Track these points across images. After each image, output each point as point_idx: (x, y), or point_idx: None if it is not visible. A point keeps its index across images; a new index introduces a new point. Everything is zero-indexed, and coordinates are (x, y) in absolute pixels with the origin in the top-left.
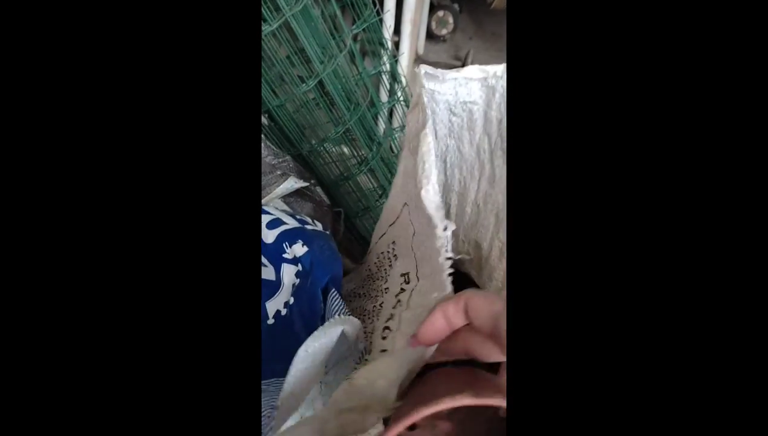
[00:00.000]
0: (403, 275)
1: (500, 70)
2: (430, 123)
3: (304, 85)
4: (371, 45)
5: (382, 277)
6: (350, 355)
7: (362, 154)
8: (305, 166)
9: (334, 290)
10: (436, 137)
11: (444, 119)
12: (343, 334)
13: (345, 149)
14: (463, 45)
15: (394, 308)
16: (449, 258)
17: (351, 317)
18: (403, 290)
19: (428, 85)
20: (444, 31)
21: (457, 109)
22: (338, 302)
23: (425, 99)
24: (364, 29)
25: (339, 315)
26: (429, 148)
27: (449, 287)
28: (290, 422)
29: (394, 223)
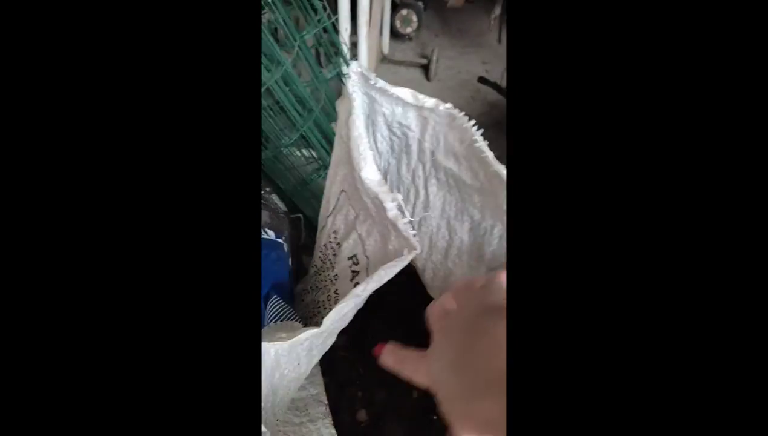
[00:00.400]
0: (350, 257)
1: (432, 103)
2: (358, 110)
3: None
4: (326, 48)
5: (329, 267)
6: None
7: (320, 159)
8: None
9: (275, 296)
10: (379, 151)
11: (385, 135)
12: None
13: (304, 152)
14: (429, 42)
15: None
16: (409, 221)
17: (289, 321)
18: (356, 272)
19: (369, 90)
20: (409, 30)
21: (394, 127)
22: (278, 307)
23: (354, 94)
24: (322, 33)
25: (275, 322)
26: (359, 132)
27: (418, 245)
28: None
29: (331, 213)
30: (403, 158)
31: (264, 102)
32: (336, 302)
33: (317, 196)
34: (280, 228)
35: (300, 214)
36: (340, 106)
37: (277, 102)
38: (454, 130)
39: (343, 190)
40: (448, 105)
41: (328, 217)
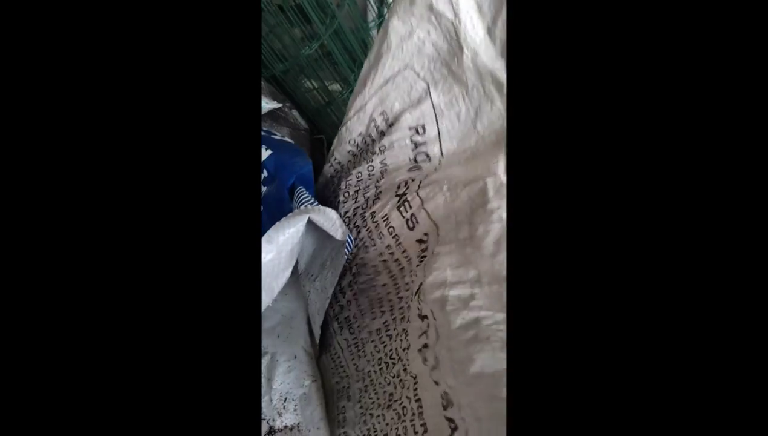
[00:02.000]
0: (411, 127)
1: None
2: None
3: None
4: None
5: (377, 151)
6: (336, 256)
7: (340, 85)
8: (279, 88)
9: (301, 187)
10: None
11: None
12: (311, 224)
13: (333, 85)
14: None
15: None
16: None
17: (323, 207)
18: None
19: None
20: None
21: None
22: (305, 196)
23: None
24: None
25: (306, 206)
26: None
27: None
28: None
29: (375, 94)
30: None
31: (284, 7)
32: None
33: (338, 123)
34: (301, 144)
35: (322, 136)
36: None
37: (299, 8)
38: None
39: (408, 67)
40: None
41: (367, 103)
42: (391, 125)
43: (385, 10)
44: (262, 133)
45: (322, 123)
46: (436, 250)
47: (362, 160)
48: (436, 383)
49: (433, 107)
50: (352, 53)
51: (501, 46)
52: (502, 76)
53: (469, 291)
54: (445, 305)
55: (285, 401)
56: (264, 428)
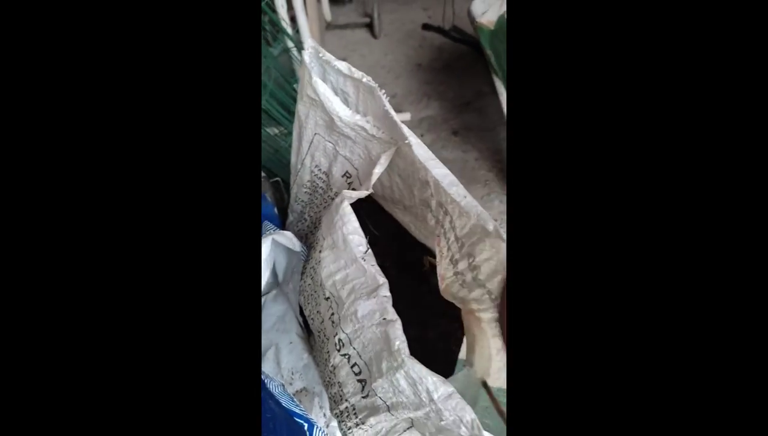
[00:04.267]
0: (343, 175)
1: (359, 74)
2: (315, 74)
3: None
4: (268, 27)
5: (324, 190)
6: (297, 263)
7: (285, 128)
8: None
9: (266, 221)
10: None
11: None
12: (275, 242)
13: (272, 130)
14: (369, 0)
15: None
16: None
17: (281, 230)
18: (350, 182)
19: (321, 62)
20: None
21: (338, 93)
22: (270, 226)
23: (311, 64)
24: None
25: (270, 231)
26: (325, 88)
27: (406, 133)
28: None
29: (307, 154)
30: None
31: None
32: None
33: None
34: (263, 190)
35: (279, 178)
36: (301, 72)
37: None
38: (375, 101)
39: (316, 133)
40: (368, 78)
41: (303, 159)
42: (326, 173)
43: None
44: None
45: (274, 166)
46: (322, 254)
47: (325, 205)
48: (335, 335)
49: (345, 158)
50: (285, 105)
51: (353, 105)
52: (365, 124)
53: (344, 273)
54: (340, 286)
55: (292, 374)
56: None
